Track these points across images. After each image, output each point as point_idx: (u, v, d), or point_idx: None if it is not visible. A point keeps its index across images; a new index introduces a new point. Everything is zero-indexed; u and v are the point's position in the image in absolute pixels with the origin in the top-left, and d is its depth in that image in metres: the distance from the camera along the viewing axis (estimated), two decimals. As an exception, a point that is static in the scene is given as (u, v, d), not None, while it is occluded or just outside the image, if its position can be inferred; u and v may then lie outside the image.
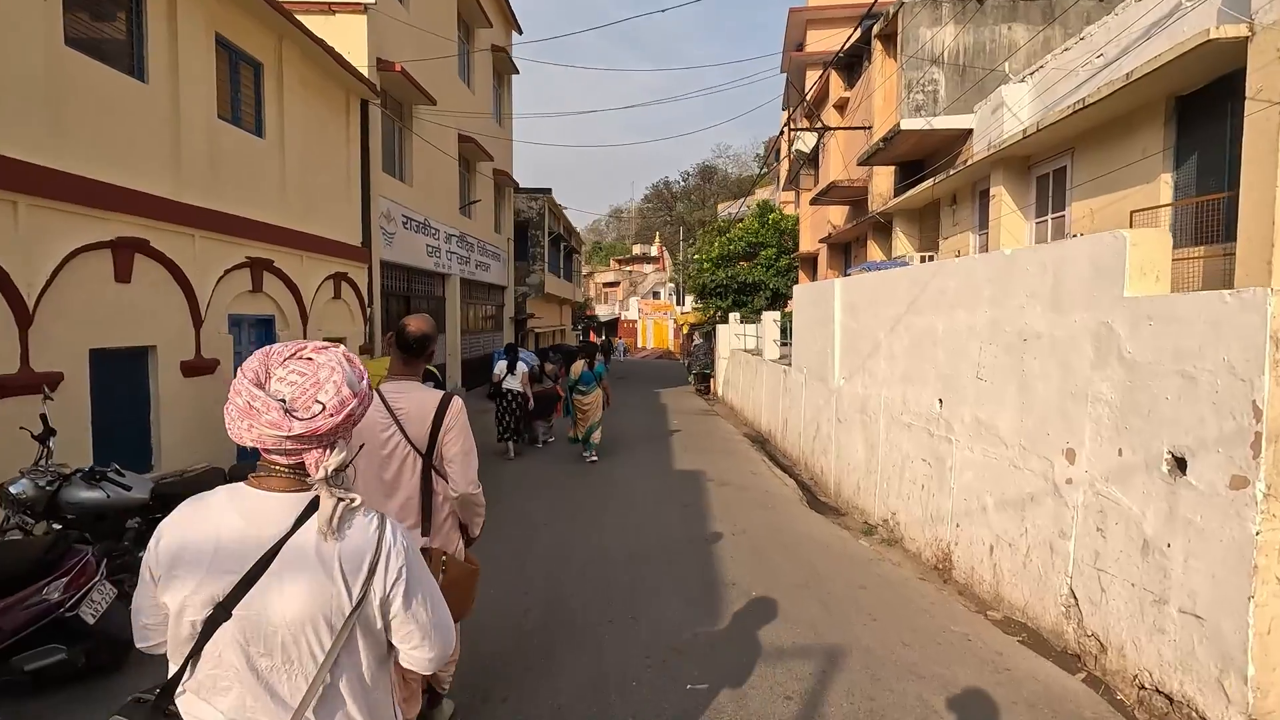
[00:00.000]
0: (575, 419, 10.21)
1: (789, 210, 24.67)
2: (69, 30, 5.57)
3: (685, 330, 35.35)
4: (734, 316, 19.58)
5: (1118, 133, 7.12)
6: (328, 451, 1.33)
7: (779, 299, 21.01)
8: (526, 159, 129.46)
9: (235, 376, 1.39)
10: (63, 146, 5.43)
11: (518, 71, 21.20)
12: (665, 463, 9.95)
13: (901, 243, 12.63)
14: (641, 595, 4.83)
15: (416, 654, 1.43)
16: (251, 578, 1.29)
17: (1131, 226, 6.14)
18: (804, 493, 8.31)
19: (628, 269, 59.51)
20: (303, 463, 1.34)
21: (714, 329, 21.09)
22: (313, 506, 1.33)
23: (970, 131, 10.58)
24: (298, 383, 1.32)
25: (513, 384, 10.30)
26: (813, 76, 18.24)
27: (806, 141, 18.52)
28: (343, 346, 1.45)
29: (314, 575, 1.30)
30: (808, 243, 19.96)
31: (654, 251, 58.58)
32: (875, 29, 12.77)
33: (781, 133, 21.22)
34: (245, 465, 5.51)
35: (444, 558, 2.65)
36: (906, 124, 10.77)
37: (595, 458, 9.90)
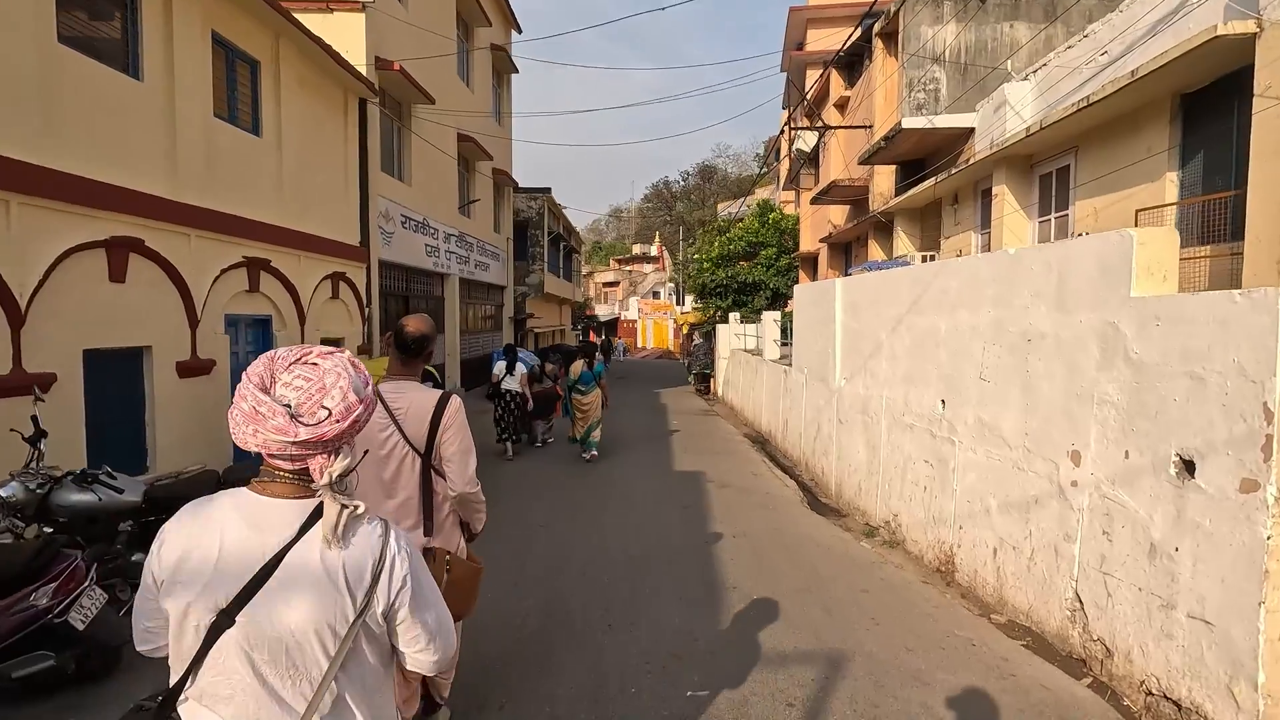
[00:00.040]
0: (574, 419, 10.18)
1: (789, 210, 24.61)
2: (62, 27, 5.51)
3: (685, 330, 35.31)
4: (734, 316, 19.52)
5: (1122, 131, 7.07)
6: (333, 457, 1.33)
7: (779, 299, 20.95)
8: (526, 158, 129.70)
9: (240, 379, 1.36)
10: (56, 145, 5.37)
11: (517, 71, 21.15)
12: (665, 463, 9.90)
13: (903, 242, 12.57)
14: (641, 598, 4.77)
15: (421, 657, 1.44)
16: (256, 584, 1.28)
17: (1137, 226, 6.08)
18: (805, 494, 8.26)
19: (627, 269, 59.45)
20: (307, 468, 1.33)
21: (714, 329, 21.04)
22: (317, 513, 1.33)
23: (972, 130, 10.52)
24: (303, 388, 1.32)
25: (512, 384, 10.28)
26: (813, 76, 18.19)
27: (807, 141, 18.46)
28: (347, 351, 1.43)
29: (319, 582, 1.30)
30: (808, 242, 19.91)
31: (654, 251, 58.53)
32: (876, 27, 12.72)
33: (782, 132, 21.16)
34: (240, 468, 5.46)
35: (448, 557, 2.64)
36: (908, 123, 10.71)
37: (595, 452, 9.91)
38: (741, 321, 18.86)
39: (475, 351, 17.86)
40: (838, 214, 17.07)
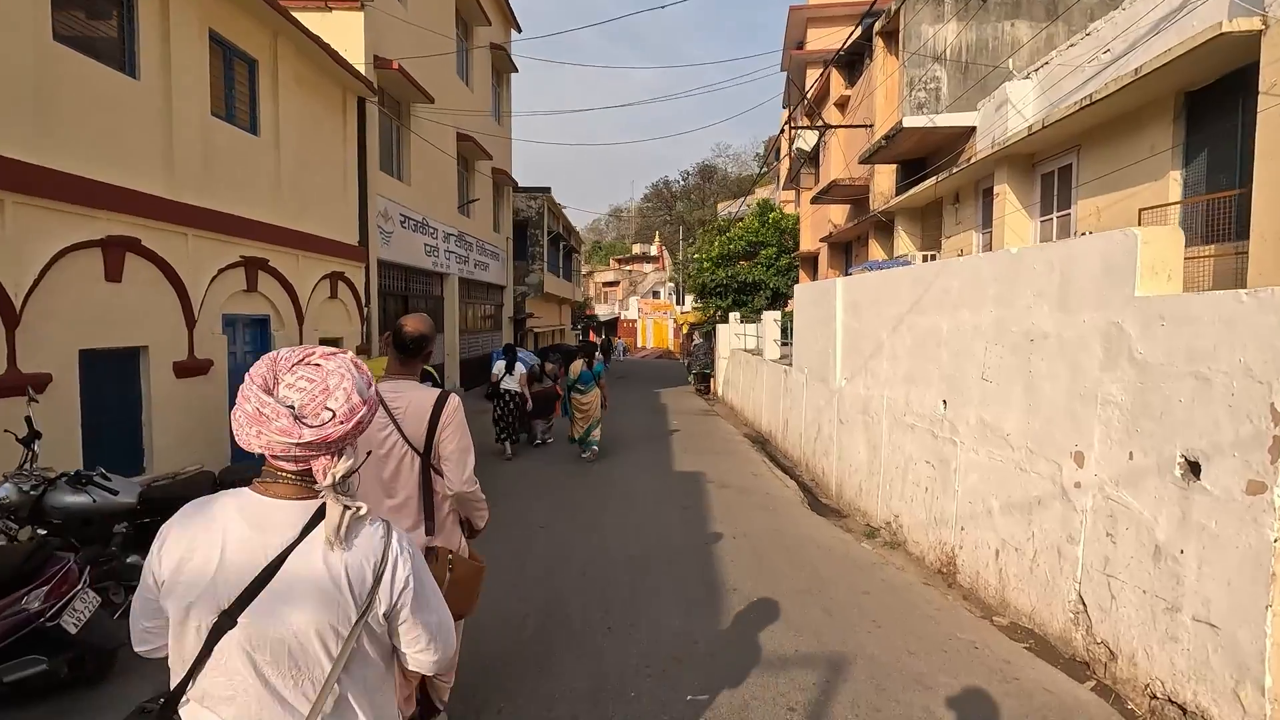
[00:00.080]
0: (573, 418, 10.15)
1: (789, 209, 24.56)
2: (58, 25, 5.47)
3: (685, 330, 35.27)
4: (734, 316, 19.49)
5: (1125, 129, 7.03)
6: (336, 459, 1.33)
7: (779, 298, 20.91)
8: (526, 158, 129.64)
9: (238, 379, 1.34)
10: (51, 143, 5.33)
11: (517, 70, 21.11)
12: (665, 463, 9.87)
13: (903, 242, 12.53)
14: (641, 601, 4.74)
15: (421, 657, 1.45)
16: (258, 585, 1.28)
17: (1140, 225, 6.05)
18: (805, 495, 8.23)
19: (627, 268, 59.40)
20: (310, 470, 1.33)
21: (714, 329, 21.00)
22: (319, 514, 1.33)
23: (973, 129, 10.49)
24: (306, 389, 1.31)
25: (511, 384, 10.26)
26: (813, 75, 18.16)
27: (807, 140, 18.43)
28: (350, 352, 1.42)
29: (321, 583, 1.30)
30: (808, 242, 19.87)
31: (654, 251, 58.49)
32: (877, 26, 12.68)
33: (782, 131, 21.12)
34: (236, 469, 5.43)
35: (450, 556, 2.64)
36: (909, 121, 10.68)
37: (596, 449, 9.90)
38: (741, 321, 18.82)
39: (475, 351, 17.82)
40: (838, 213, 17.04)
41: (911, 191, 11.37)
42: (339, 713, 1.36)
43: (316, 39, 8.89)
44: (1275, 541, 2.79)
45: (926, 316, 5.70)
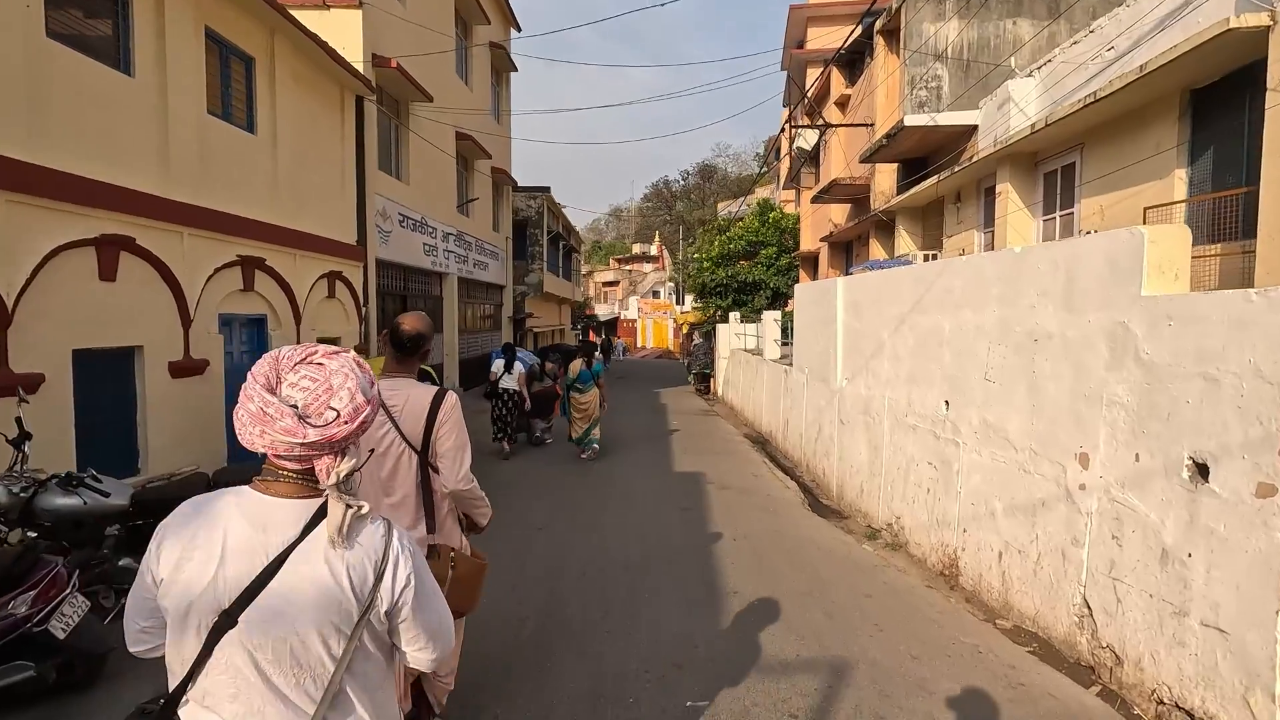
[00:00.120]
0: (571, 419, 10.09)
1: (789, 209, 24.51)
2: (50, 22, 5.42)
3: (685, 330, 35.22)
4: (734, 316, 19.43)
5: (1130, 127, 6.98)
6: (339, 458, 1.32)
7: (779, 298, 20.86)
8: (525, 157, 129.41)
9: (234, 380, 1.29)
10: (44, 141, 5.28)
11: (516, 69, 21.06)
12: (665, 464, 9.81)
13: (904, 241, 12.48)
14: (641, 603, 4.69)
15: (421, 655, 1.45)
16: (259, 584, 1.27)
17: (1145, 223, 5.99)
18: (806, 496, 8.17)
19: (627, 268, 59.33)
20: (312, 468, 1.32)
21: (714, 328, 20.94)
22: (320, 513, 1.32)
23: (975, 128, 10.44)
24: (310, 388, 1.31)
25: (509, 383, 10.22)
26: (813, 74, 18.11)
27: (808, 139, 18.38)
28: (351, 351, 1.40)
29: (323, 582, 1.29)
30: (809, 241, 19.82)
31: (654, 251, 58.43)
32: (877, 25, 12.63)
33: (782, 130, 21.07)
34: (231, 470, 5.38)
35: (452, 554, 2.63)
36: (910, 120, 10.63)
37: (596, 447, 9.87)
38: (742, 321, 18.76)
39: (474, 351, 17.77)
40: (839, 213, 16.99)
41: (913, 191, 11.32)
42: (340, 710, 1.36)
43: (314, 37, 8.83)
44: (1286, 545, 2.73)
45: (928, 316, 5.65)
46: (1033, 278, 4.31)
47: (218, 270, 7.31)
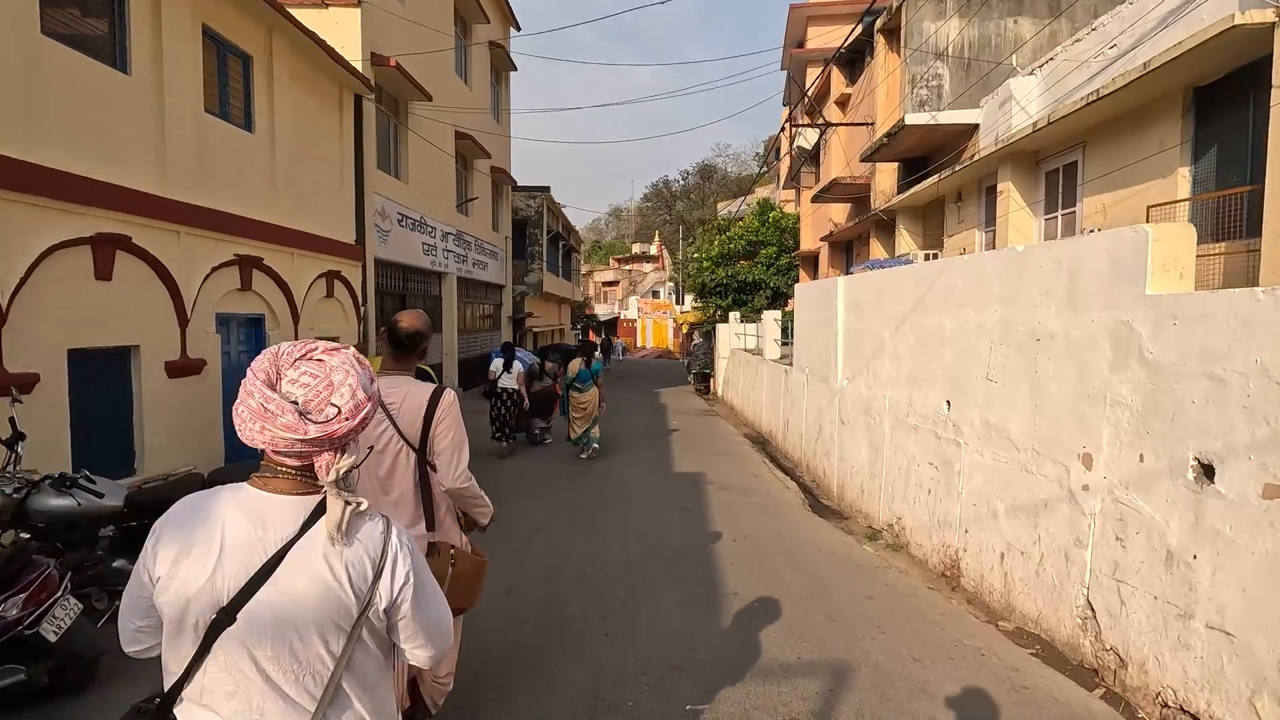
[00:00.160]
0: (570, 419, 10.06)
1: (790, 208, 24.48)
2: (45, 19, 5.38)
3: (685, 330, 35.18)
4: (734, 316, 19.39)
5: (1132, 126, 6.94)
6: (339, 454, 1.31)
7: (779, 298, 20.82)
8: (525, 157, 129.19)
9: (232, 379, 1.26)
10: (39, 139, 5.24)
11: (515, 68, 21.02)
12: (665, 464, 9.78)
13: (905, 240, 12.45)
14: (640, 604, 4.65)
15: (419, 652, 1.45)
16: (258, 581, 1.26)
17: (1148, 222, 5.96)
18: (806, 496, 8.13)
19: (627, 268, 59.30)
20: (311, 465, 1.32)
21: (714, 328, 20.91)
22: (319, 509, 1.32)
23: (976, 126, 10.40)
24: (310, 385, 1.31)
25: (508, 382, 10.18)
26: (814, 73, 18.08)
27: (808, 138, 18.35)
28: (351, 348, 1.41)
29: (322, 579, 1.28)
30: (809, 241, 19.79)
31: (653, 250, 58.39)
32: (878, 23, 12.60)
33: (782, 129, 21.03)
34: (228, 469, 5.34)
35: (452, 551, 2.62)
36: (911, 119, 10.59)
37: (596, 446, 9.85)
38: (741, 321, 18.72)
39: (473, 351, 17.73)
40: (839, 212, 16.95)
41: (913, 190, 11.29)
42: (339, 707, 1.35)
43: (312, 35, 8.80)
44: (1293, 547, 2.70)
45: (930, 316, 5.61)
46: (1035, 277, 4.27)
47: (215, 269, 7.27)
